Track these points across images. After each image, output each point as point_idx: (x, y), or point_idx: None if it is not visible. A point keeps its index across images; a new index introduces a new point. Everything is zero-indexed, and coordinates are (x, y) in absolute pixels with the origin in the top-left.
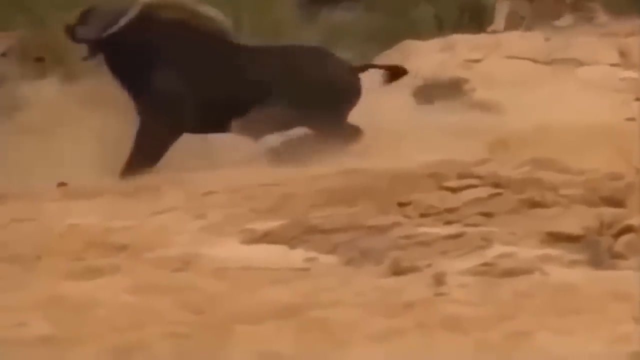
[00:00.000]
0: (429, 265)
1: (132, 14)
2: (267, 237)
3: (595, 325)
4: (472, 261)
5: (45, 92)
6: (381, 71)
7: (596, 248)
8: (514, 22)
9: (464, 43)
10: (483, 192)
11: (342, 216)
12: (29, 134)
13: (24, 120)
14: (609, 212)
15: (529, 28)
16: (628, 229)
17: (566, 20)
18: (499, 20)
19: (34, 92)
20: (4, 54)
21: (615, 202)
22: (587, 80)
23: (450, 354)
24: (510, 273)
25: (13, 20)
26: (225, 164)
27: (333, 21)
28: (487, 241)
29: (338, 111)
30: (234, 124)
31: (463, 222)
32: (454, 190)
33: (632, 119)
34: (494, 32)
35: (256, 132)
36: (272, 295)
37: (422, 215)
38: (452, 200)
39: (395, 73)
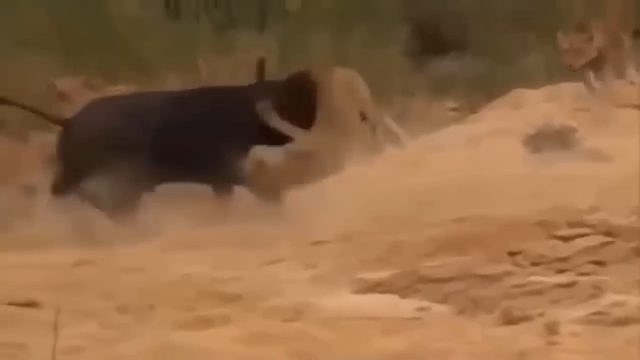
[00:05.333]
0: (541, 314)
1: None
2: (378, 287)
3: None
4: (584, 310)
5: None
6: None
7: None
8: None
9: (572, 91)
10: (594, 240)
11: (453, 265)
12: None
13: None
14: None
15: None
16: None
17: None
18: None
19: None
20: None
21: None
22: None
23: None
24: (622, 322)
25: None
26: None
27: (441, 70)
28: (598, 290)
29: None
30: None
31: (574, 270)
32: (565, 238)
33: None
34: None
35: None
36: (383, 344)
37: (533, 264)
38: (563, 249)
39: None
